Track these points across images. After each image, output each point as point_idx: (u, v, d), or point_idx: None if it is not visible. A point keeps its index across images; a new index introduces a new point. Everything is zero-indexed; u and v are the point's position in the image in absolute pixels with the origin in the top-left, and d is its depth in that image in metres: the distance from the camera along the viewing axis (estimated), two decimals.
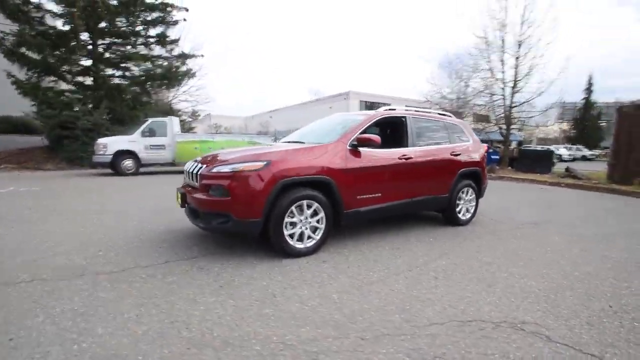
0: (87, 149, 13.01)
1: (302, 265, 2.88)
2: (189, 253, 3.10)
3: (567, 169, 13.17)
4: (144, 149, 10.74)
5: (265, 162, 2.88)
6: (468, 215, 4.57)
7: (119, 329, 1.84)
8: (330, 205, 3.17)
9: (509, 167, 15.80)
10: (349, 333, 1.87)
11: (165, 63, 16.50)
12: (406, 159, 3.77)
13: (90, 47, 14.51)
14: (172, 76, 16.21)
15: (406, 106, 4.47)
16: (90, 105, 13.85)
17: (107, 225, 4.05)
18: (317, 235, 3.15)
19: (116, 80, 15.39)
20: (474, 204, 4.64)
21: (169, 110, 17.31)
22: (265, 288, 2.43)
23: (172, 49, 16.71)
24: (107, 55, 15.28)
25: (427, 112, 4.45)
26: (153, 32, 15.99)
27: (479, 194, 4.71)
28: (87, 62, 14.79)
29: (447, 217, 4.44)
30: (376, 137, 3.34)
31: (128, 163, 10.42)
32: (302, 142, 3.66)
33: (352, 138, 3.40)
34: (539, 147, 22.13)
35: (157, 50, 16.54)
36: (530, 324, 2.02)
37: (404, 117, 4.02)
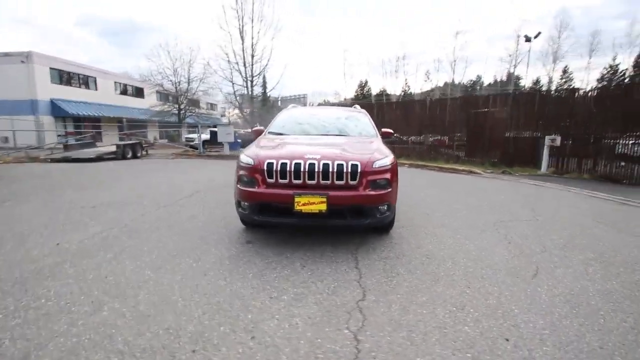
0: None
1: (401, 236, 3.46)
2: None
3: None
4: None
5: (390, 153, 3.27)
6: None
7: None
8: None
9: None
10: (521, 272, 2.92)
11: None
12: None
13: None
14: None
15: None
16: None
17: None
18: None
19: None
20: None
21: None
22: (438, 264, 2.80)
23: None
24: None
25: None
26: None
27: None
28: None
29: None
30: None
31: None
32: (345, 135, 3.98)
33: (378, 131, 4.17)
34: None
35: None
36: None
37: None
